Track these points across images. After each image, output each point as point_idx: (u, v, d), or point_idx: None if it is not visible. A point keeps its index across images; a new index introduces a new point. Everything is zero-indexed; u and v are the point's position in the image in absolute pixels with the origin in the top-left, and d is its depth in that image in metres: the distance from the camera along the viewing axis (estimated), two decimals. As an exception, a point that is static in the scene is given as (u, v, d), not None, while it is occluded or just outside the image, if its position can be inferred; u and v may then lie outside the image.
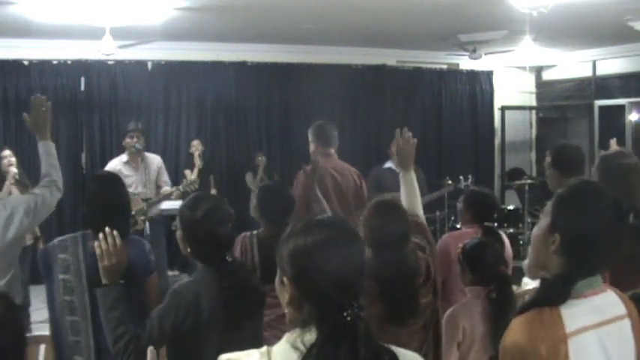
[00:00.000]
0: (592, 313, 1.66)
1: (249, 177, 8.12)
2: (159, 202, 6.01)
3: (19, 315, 1.22)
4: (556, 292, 1.65)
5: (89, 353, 2.62)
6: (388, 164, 7.25)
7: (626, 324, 1.71)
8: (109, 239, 2.39)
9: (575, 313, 1.63)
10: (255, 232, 3.31)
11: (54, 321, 2.74)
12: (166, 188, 6.16)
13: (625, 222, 1.71)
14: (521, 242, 7.71)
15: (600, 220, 1.66)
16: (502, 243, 3.37)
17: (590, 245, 1.65)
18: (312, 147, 4.51)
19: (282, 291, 1.45)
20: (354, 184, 4.42)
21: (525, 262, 1.79)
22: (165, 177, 6.40)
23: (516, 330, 1.64)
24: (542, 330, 1.60)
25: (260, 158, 8.18)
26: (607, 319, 1.68)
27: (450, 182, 7.74)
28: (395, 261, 2.47)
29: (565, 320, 1.61)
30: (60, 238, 2.80)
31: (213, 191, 7.78)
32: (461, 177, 7.82)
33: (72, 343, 2.68)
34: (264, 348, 1.41)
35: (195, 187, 6.03)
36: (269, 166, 8.24)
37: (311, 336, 1.36)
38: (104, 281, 2.39)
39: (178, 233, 2.46)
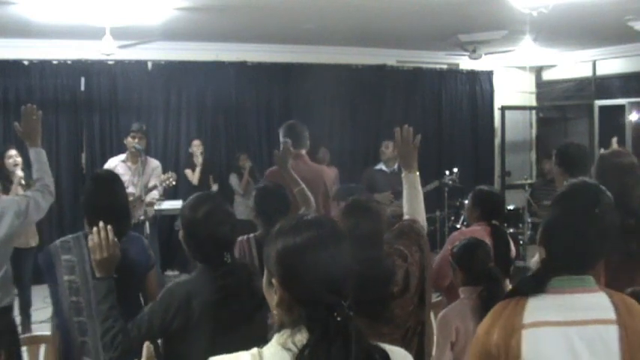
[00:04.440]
0: (563, 310, 1.64)
1: (233, 179, 7.98)
2: (148, 193, 5.92)
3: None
4: (527, 283, 1.70)
5: (97, 353, 2.60)
6: (379, 165, 7.29)
7: (612, 330, 1.62)
8: (102, 233, 2.40)
9: (540, 306, 1.64)
10: (252, 235, 3.29)
11: (62, 322, 2.72)
12: (151, 184, 6.10)
13: (611, 222, 1.69)
14: (521, 242, 7.71)
15: (575, 215, 1.67)
16: (507, 242, 3.35)
17: (562, 238, 1.67)
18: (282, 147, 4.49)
19: (270, 292, 1.42)
20: (324, 189, 4.26)
21: (534, 260, 1.83)
22: (154, 180, 6.36)
23: (485, 320, 1.74)
24: (500, 319, 1.67)
25: (244, 161, 7.98)
26: (584, 320, 1.63)
27: (447, 175, 7.79)
28: (365, 260, 2.37)
29: (526, 311, 1.64)
30: (62, 238, 2.78)
31: (215, 187, 7.78)
32: (446, 172, 7.84)
33: (79, 344, 2.67)
34: (255, 350, 1.38)
35: (173, 182, 5.95)
36: (254, 168, 8.04)
37: (302, 336, 1.34)
38: (97, 275, 2.41)
39: (180, 233, 2.45)
